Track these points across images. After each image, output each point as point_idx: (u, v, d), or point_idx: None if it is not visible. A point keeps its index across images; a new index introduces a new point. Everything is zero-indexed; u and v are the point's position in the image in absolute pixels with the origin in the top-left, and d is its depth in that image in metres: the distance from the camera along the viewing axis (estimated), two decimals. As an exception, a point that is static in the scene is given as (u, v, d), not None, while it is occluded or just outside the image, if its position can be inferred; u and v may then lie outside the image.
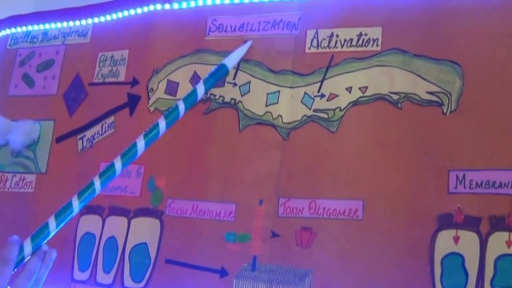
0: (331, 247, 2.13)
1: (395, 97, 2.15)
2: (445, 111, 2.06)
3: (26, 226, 2.78)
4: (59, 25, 2.96)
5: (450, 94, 2.06)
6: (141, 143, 2.13)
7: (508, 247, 1.87)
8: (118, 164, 2.08)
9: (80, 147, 2.75)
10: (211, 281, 2.27)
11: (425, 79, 2.11)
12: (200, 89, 2.29)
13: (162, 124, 2.18)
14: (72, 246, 2.64)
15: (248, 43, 2.37)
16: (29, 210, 2.81)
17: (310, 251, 2.15)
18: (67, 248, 2.64)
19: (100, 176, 2.04)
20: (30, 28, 3.04)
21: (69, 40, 2.92)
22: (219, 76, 2.36)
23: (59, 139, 2.82)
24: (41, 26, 3.00)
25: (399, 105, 2.13)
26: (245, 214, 2.28)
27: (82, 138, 2.75)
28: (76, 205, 1.99)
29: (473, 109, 2.02)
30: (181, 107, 2.23)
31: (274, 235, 2.22)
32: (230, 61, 2.37)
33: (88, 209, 2.63)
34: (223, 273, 2.26)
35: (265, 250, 2.22)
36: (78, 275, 2.59)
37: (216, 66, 2.36)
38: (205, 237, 2.34)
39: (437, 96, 2.08)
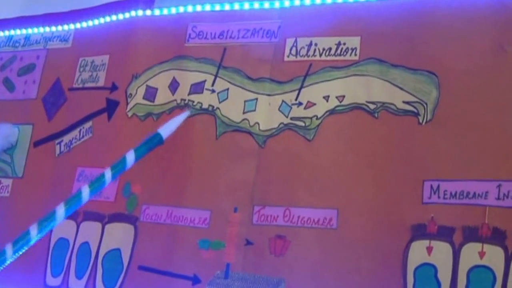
0: (305, 255, 2.11)
1: (371, 106, 2.14)
2: (421, 121, 2.05)
3: (2, 230, 2.76)
4: (41, 29, 2.95)
5: (426, 104, 2.05)
6: (61, 211, 2.04)
7: (481, 258, 1.86)
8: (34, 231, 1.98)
9: (57, 151, 2.73)
10: (183, 289, 2.25)
11: (401, 89, 2.11)
12: (130, 157, 2.23)
13: (86, 192, 2.10)
14: (46, 251, 2.61)
15: (185, 113, 2.29)
16: (5, 215, 2.78)
17: (283, 259, 2.13)
18: (41, 253, 2.61)
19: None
20: (12, 32, 3.03)
21: (50, 44, 2.91)
22: (152, 146, 2.27)
23: (37, 144, 2.80)
24: (24, 31, 2.99)
25: (376, 115, 2.13)
26: (220, 221, 2.26)
27: (60, 143, 2.73)
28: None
29: (449, 120, 2.02)
30: (108, 175, 2.14)
31: (248, 243, 2.20)
32: (166, 131, 2.28)
33: (63, 214, 2.60)
34: (195, 280, 2.24)
35: (239, 258, 2.20)
36: (51, 280, 2.56)
37: (150, 135, 2.29)
38: (179, 244, 2.31)
39: (413, 106, 2.07)
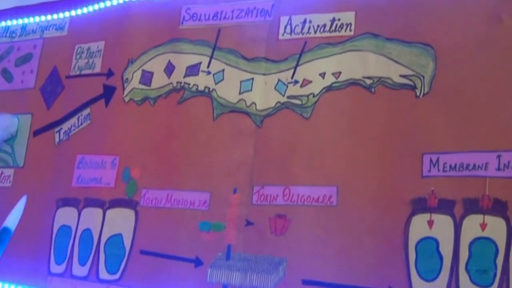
0: (306, 234, 2.10)
1: (368, 81, 2.12)
2: (418, 94, 2.03)
3: (4, 220, 2.76)
4: (37, 19, 2.94)
5: (423, 77, 2.03)
6: None
7: (483, 229, 1.84)
8: None
9: (57, 139, 2.73)
10: (186, 271, 2.24)
11: (398, 63, 2.08)
12: None
13: None
14: (48, 239, 2.61)
15: (24, 198, 2.27)
16: (8, 205, 2.77)
17: (284, 238, 2.12)
18: (44, 241, 2.62)
19: None
20: (9, 23, 3.02)
21: (47, 33, 2.91)
22: (4, 242, 2.23)
23: (37, 133, 2.80)
24: (20, 21, 2.98)
25: (373, 90, 2.10)
26: (220, 202, 2.26)
27: (59, 131, 2.73)
28: None
29: (446, 92, 1.99)
30: None
31: (249, 223, 2.19)
32: (12, 221, 2.23)
33: (64, 202, 2.62)
34: (197, 262, 2.23)
35: (240, 239, 2.19)
36: (55, 268, 2.56)
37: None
38: (179, 227, 2.31)
39: (410, 79, 2.04)
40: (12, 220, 2.19)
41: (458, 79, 1.98)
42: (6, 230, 2.16)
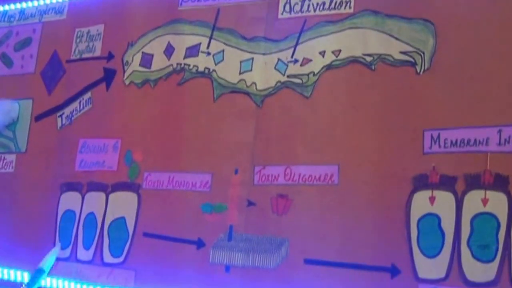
0: (307, 213, 2.09)
1: (368, 59, 2.10)
2: (418, 70, 2.01)
3: (9, 206, 2.78)
4: (35, 3, 2.93)
5: (423, 53, 2.01)
6: None
7: (484, 205, 1.83)
8: None
9: (59, 124, 2.73)
10: (189, 253, 2.25)
11: (398, 39, 2.06)
12: None
13: None
14: (53, 224, 2.62)
15: (58, 246, 2.50)
16: (11, 190, 2.79)
17: (286, 218, 2.12)
18: (49, 226, 2.63)
19: None
20: (7, 7, 3.01)
21: (46, 17, 2.89)
22: (37, 280, 2.38)
23: (38, 118, 2.80)
24: (18, 5, 2.97)
25: (373, 67, 2.09)
26: (221, 183, 2.26)
27: (61, 116, 2.72)
28: None
29: (447, 68, 1.97)
30: None
31: (250, 203, 2.19)
32: (47, 264, 2.40)
33: (68, 186, 2.63)
34: (200, 244, 2.24)
35: (242, 219, 2.19)
36: (60, 253, 2.57)
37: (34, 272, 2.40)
38: (182, 209, 2.31)
39: (410, 56, 2.03)
40: (47, 263, 2.40)
41: (458, 55, 1.96)
42: (40, 270, 2.33)
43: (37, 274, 2.37)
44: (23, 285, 2.38)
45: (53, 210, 2.64)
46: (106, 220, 2.47)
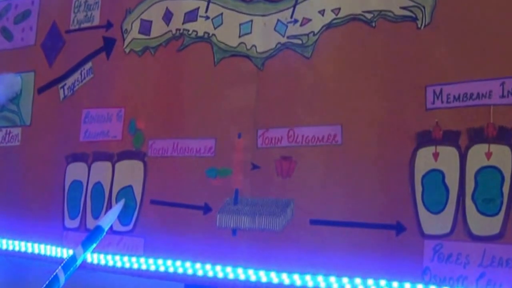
0: (312, 174, 2.09)
1: (368, 16, 2.07)
2: (419, 25, 1.98)
3: (17, 179, 2.81)
4: (33, -27, 2.91)
5: (424, 7, 1.97)
6: None
7: (488, 158, 1.81)
8: None
9: (62, 96, 2.74)
10: (195, 218, 2.26)
11: (397, -6, 2.03)
12: (79, 253, 2.27)
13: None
14: (61, 195, 2.65)
15: (121, 203, 2.38)
16: (18, 163, 2.81)
17: (291, 180, 2.12)
18: (57, 197, 2.66)
19: None
20: (5, -20, 3.00)
21: (44, -12, 2.88)
22: (96, 239, 2.32)
23: (41, 90, 2.81)
24: (16, -22, 2.96)
25: (373, 24, 2.06)
26: (225, 148, 2.26)
27: (63, 87, 2.73)
28: None
29: (448, 21, 1.94)
30: (61, 277, 2.19)
31: (255, 167, 2.19)
32: (106, 222, 2.35)
33: (74, 157, 2.64)
34: (206, 209, 2.25)
35: (247, 183, 2.19)
36: (69, 222, 2.61)
37: (92, 229, 2.36)
38: (187, 175, 2.32)
39: (411, 11, 1.99)
40: (106, 221, 2.34)
41: (459, 7, 1.92)
42: (99, 228, 2.30)
43: (95, 232, 2.33)
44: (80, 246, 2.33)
45: (60, 181, 2.66)
46: (114, 189, 2.49)
